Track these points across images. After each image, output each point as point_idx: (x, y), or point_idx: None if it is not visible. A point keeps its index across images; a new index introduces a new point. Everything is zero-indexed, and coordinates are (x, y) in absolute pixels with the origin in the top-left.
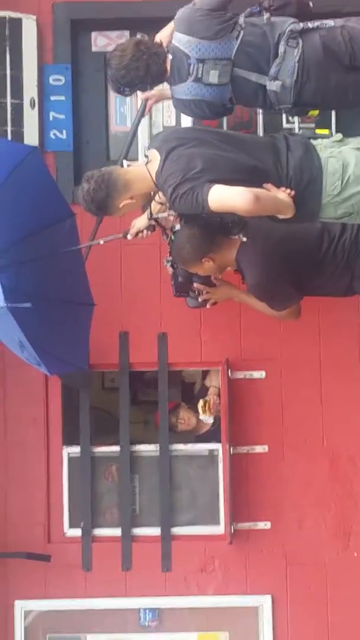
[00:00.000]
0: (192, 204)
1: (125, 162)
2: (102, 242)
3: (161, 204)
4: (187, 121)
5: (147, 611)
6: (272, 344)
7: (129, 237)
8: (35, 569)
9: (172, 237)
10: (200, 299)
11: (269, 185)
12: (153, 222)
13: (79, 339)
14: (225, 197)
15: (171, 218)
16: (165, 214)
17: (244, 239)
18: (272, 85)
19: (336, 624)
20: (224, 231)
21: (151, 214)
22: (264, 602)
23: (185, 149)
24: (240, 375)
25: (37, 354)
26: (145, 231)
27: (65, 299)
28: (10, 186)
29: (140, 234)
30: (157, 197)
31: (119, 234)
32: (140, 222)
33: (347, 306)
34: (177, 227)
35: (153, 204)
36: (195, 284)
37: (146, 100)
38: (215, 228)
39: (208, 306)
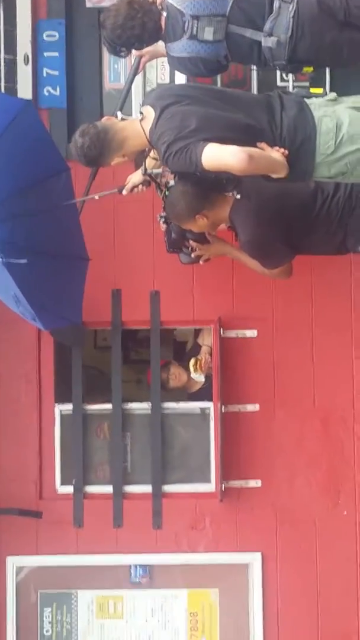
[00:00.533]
0: (185, 162)
1: (119, 114)
2: (97, 197)
3: (155, 159)
4: (181, 78)
5: (138, 568)
6: (264, 302)
7: (124, 192)
8: (27, 525)
9: (166, 193)
10: (193, 255)
11: (263, 145)
12: (147, 178)
13: (74, 294)
14: (219, 155)
15: (165, 174)
16: (159, 170)
17: (238, 197)
18: (267, 42)
19: (325, 581)
20: (218, 188)
21: (145, 169)
22: (254, 560)
23: (179, 106)
24: (232, 334)
25: (33, 308)
26: (140, 187)
27: (60, 253)
28: (6, 140)
29: (135, 189)
30: (152, 153)
31: (114, 189)
32: (136, 177)
33: (340, 265)
34: (171, 183)
35: (148, 159)
36: (190, 241)
37: (140, 57)
38: (209, 185)
39: (201, 262)
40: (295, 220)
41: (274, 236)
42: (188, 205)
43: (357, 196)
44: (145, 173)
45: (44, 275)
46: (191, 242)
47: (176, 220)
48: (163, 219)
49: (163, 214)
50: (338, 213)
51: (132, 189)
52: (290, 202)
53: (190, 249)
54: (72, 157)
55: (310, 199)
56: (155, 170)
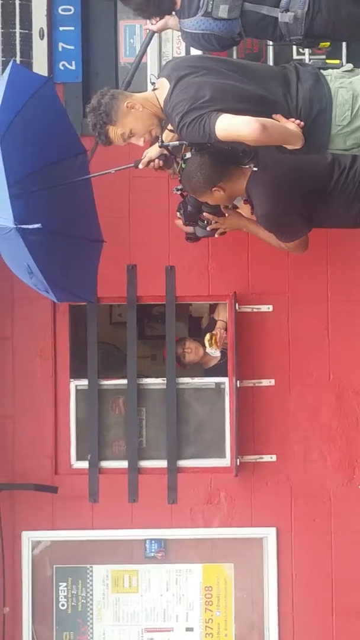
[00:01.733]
0: (199, 133)
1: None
2: (113, 171)
3: (172, 131)
4: (196, 52)
5: (152, 542)
6: (279, 277)
7: (141, 166)
8: (43, 500)
9: (183, 165)
10: (209, 228)
11: (278, 116)
12: (164, 151)
13: (88, 274)
14: (232, 126)
15: (183, 146)
16: (176, 143)
17: (255, 169)
18: (284, 17)
19: (340, 555)
20: (235, 160)
21: (162, 141)
22: (269, 534)
23: (194, 77)
24: (247, 308)
25: (45, 279)
26: (157, 161)
27: (75, 234)
28: (25, 116)
29: (151, 164)
30: (169, 126)
31: (130, 164)
32: (152, 151)
33: (355, 239)
34: (188, 155)
35: (165, 132)
36: (204, 213)
37: (152, 32)
38: (226, 157)
39: (217, 235)
40: (312, 192)
41: (290, 209)
42: (205, 178)
43: None
44: (162, 145)
45: (58, 252)
46: (207, 214)
47: (192, 193)
48: (180, 192)
49: (179, 186)
50: (355, 185)
51: (148, 163)
52: (307, 175)
53: (205, 222)
54: (87, 130)
55: (327, 172)
56: (172, 143)
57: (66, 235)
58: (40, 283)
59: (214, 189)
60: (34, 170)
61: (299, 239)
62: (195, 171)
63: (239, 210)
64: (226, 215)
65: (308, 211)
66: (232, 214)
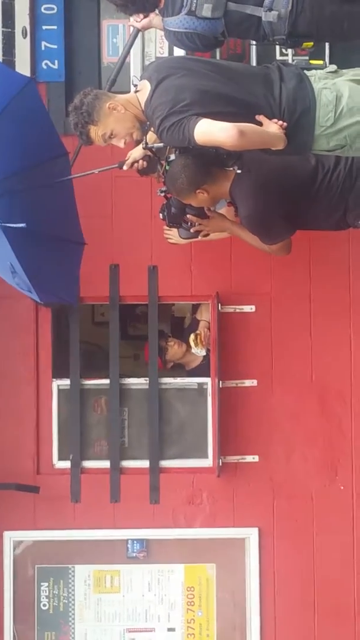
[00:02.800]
0: (179, 137)
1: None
2: (97, 171)
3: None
4: (180, 51)
5: (135, 542)
6: (262, 278)
7: (125, 167)
8: (24, 500)
9: (167, 167)
10: (192, 230)
11: (262, 117)
12: (148, 153)
13: (69, 277)
14: (210, 131)
15: (167, 148)
16: (160, 144)
17: (239, 171)
18: (268, 16)
19: (321, 556)
20: (219, 162)
21: (146, 143)
22: (251, 535)
23: (175, 79)
24: (230, 309)
25: (29, 279)
26: (141, 162)
27: (57, 235)
28: (7, 117)
29: (136, 165)
30: (152, 127)
31: (114, 164)
32: (137, 152)
33: (338, 241)
34: (172, 157)
35: (149, 133)
36: (188, 216)
37: (137, 29)
38: (210, 159)
39: (200, 237)
40: (296, 194)
41: (274, 210)
42: (189, 180)
43: (358, 171)
44: (145, 147)
45: (42, 250)
46: (190, 217)
47: (176, 195)
48: (163, 193)
49: (163, 188)
50: (338, 187)
51: (132, 164)
52: (291, 177)
53: (189, 223)
54: (70, 116)
55: (311, 174)
56: (156, 145)
57: (49, 236)
58: (23, 283)
59: (197, 191)
60: (16, 170)
61: (283, 242)
62: (180, 173)
63: (222, 212)
64: (210, 217)
65: (292, 213)
66: (215, 216)
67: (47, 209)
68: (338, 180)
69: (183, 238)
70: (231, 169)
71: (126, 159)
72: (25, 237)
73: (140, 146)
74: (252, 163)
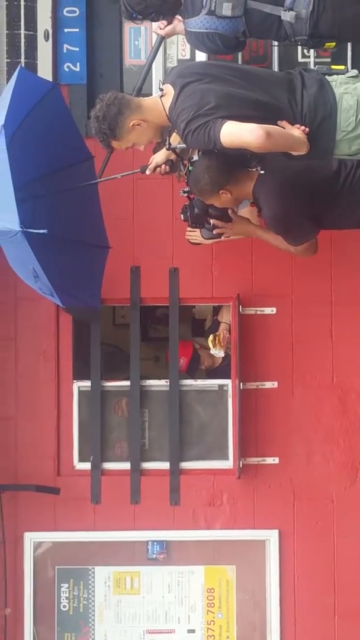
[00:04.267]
0: (204, 140)
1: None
2: (119, 176)
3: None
4: (201, 55)
5: (155, 544)
6: (283, 279)
7: (148, 172)
8: (45, 501)
9: (190, 168)
10: (215, 232)
11: (284, 123)
12: (171, 156)
13: (93, 280)
14: (237, 133)
15: (190, 148)
16: (183, 145)
17: (262, 172)
18: (287, 16)
19: (342, 558)
20: (242, 163)
21: (169, 143)
22: (271, 537)
23: (199, 84)
24: (251, 311)
25: (51, 283)
26: (163, 166)
27: (81, 239)
28: (32, 122)
29: (158, 169)
30: (177, 131)
31: (137, 169)
32: (159, 157)
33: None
34: (195, 157)
35: (173, 135)
36: (212, 220)
37: (161, 37)
38: (233, 160)
39: (223, 238)
40: (319, 194)
41: (298, 210)
42: (212, 180)
43: None
44: (169, 148)
45: (63, 257)
46: (214, 221)
47: (199, 195)
48: (186, 194)
49: (186, 188)
50: None
51: (155, 169)
52: (314, 176)
53: (212, 224)
54: (92, 125)
55: (335, 173)
56: (179, 145)
57: (72, 241)
58: (46, 287)
59: (221, 191)
60: (41, 175)
61: (308, 242)
62: (203, 174)
63: (245, 212)
64: (233, 219)
65: (316, 213)
66: (239, 220)
67: (71, 213)
68: None
69: (206, 239)
70: (254, 169)
71: (149, 163)
72: (48, 242)
73: (163, 150)
74: (275, 164)
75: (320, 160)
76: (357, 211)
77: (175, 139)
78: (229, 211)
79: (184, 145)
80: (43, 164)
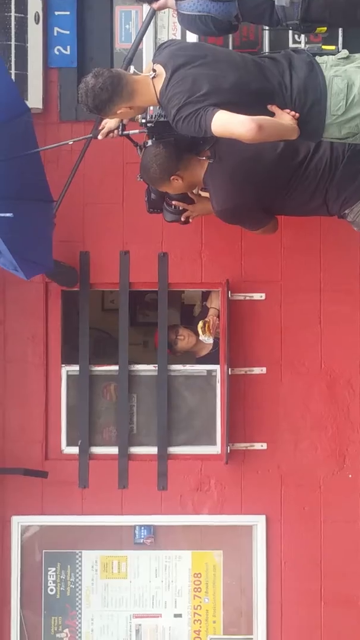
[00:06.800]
0: (194, 128)
1: (132, 68)
2: (70, 142)
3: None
4: (193, 37)
5: (142, 528)
6: (272, 265)
7: (100, 137)
8: (33, 485)
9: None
10: (183, 218)
11: (274, 107)
12: (125, 121)
13: (44, 238)
14: (229, 124)
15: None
16: (136, 131)
17: (211, 161)
18: (281, 1)
19: (329, 544)
20: (193, 149)
21: (123, 129)
22: (259, 522)
23: (191, 68)
24: (240, 296)
25: (14, 258)
26: (115, 132)
27: (31, 197)
28: None
29: (110, 134)
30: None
31: (88, 135)
32: (111, 122)
33: (349, 229)
34: (150, 143)
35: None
36: (173, 202)
37: (153, 10)
38: (184, 146)
39: (190, 220)
40: (270, 183)
41: (247, 203)
42: (161, 168)
43: (337, 160)
44: (122, 134)
45: (20, 222)
46: (176, 202)
47: (151, 183)
48: (142, 179)
49: None
50: (317, 176)
51: (107, 134)
52: (263, 166)
53: (174, 207)
54: (79, 95)
55: (287, 162)
56: (132, 132)
57: (24, 200)
58: (9, 262)
59: (172, 177)
60: None
61: (265, 227)
62: (151, 162)
63: (205, 195)
64: (195, 201)
65: (266, 202)
66: (200, 199)
67: (19, 173)
68: (316, 169)
69: (168, 221)
70: (204, 158)
71: (100, 128)
72: (8, 219)
73: (115, 117)
74: (224, 152)
75: (270, 146)
76: (311, 203)
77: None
78: (189, 193)
79: (136, 131)
80: None
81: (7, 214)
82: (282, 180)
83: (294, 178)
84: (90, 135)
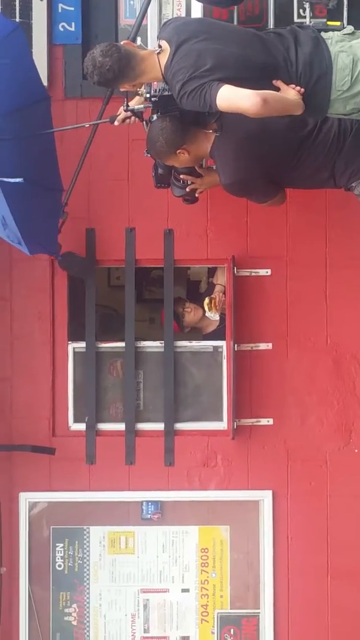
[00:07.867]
0: (199, 103)
1: (139, 40)
2: (87, 125)
3: (140, 95)
4: (197, 12)
5: (149, 504)
6: (278, 241)
7: (116, 123)
8: (40, 462)
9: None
10: (188, 189)
11: (279, 83)
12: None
13: (51, 224)
14: (234, 99)
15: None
16: (141, 106)
17: (217, 134)
18: None
19: (335, 519)
20: (199, 122)
21: (127, 105)
22: (265, 497)
23: (195, 42)
24: (246, 272)
25: (20, 231)
26: (133, 118)
27: (42, 183)
28: None
29: (127, 120)
30: (140, 89)
31: (106, 119)
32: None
33: (355, 205)
34: (155, 118)
35: (135, 98)
36: (182, 175)
37: None
38: (190, 119)
39: (197, 195)
40: (275, 156)
41: (254, 176)
42: (167, 142)
43: (345, 132)
44: (127, 109)
45: (31, 200)
46: (184, 176)
47: (158, 157)
48: (150, 154)
49: None
50: (325, 149)
51: (124, 120)
52: (270, 138)
53: (182, 182)
54: (85, 67)
55: (294, 134)
56: (137, 107)
57: (35, 184)
58: (14, 235)
59: (178, 151)
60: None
61: (272, 199)
62: (158, 136)
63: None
64: (202, 174)
65: (273, 174)
66: (207, 172)
67: (32, 157)
68: (324, 141)
69: (176, 196)
70: (211, 131)
71: (117, 114)
72: (18, 188)
73: (135, 99)
74: (230, 125)
75: (279, 122)
76: (318, 175)
77: (135, 102)
78: (196, 167)
79: (141, 107)
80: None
81: (18, 179)
82: (290, 152)
83: (301, 149)
84: (107, 120)
